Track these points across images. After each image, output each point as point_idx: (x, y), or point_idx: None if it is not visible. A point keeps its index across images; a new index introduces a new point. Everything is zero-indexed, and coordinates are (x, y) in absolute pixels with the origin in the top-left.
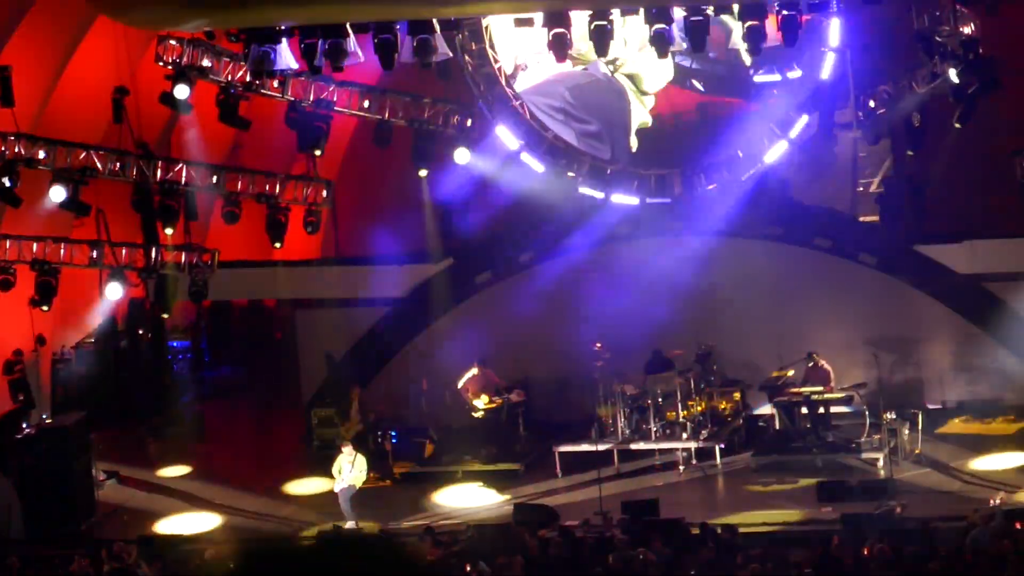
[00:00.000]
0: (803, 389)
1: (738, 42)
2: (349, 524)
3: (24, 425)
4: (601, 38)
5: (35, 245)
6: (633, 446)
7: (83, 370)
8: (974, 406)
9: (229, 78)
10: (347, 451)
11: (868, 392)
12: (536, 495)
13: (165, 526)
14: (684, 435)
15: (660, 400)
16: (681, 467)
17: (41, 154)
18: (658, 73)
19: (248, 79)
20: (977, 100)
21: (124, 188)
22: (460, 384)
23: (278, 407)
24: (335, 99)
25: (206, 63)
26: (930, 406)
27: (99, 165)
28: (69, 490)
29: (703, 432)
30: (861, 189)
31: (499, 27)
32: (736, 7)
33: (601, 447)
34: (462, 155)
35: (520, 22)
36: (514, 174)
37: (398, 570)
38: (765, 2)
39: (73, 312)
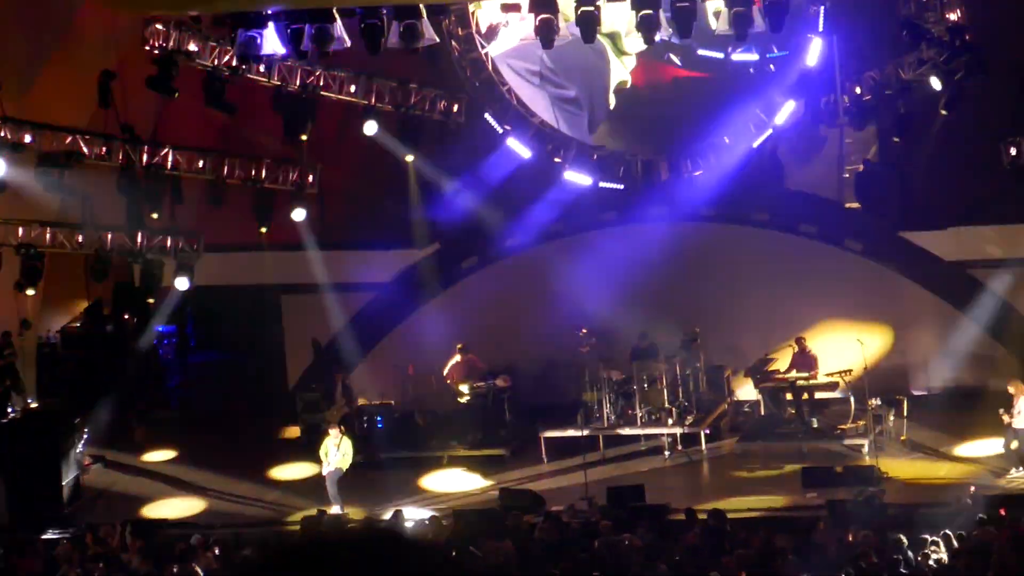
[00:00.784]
0: (788, 375)
1: (722, 27)
2: (334, 509)
3: (10, 410)
4: (587, 24)
5: (20, 229)
6: (619, 432)
7: (69, 354)
8: (958, 392)
9: (215, 63)
10: (333, 434)
11: (853, 378)
12: (522, 480)
13: (151, 510)
14: (670, 421)
15: (646, 386)
16: (666, 453)
17: (27, 138)
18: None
19: (234, 64)
20: (963, 86)
21: (110, 172)
22: (445, 370)
23: (264, 392)
24: (322, 84)
25: (192, 47)
26: (915, 392)
27: (85, 149)
28: (54, 475)
29: (688, 418)
30: (847, 175)
31: None
32: None
33: (586, 432)
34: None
35: (507, 7)
36: (500, 159)
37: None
38: None
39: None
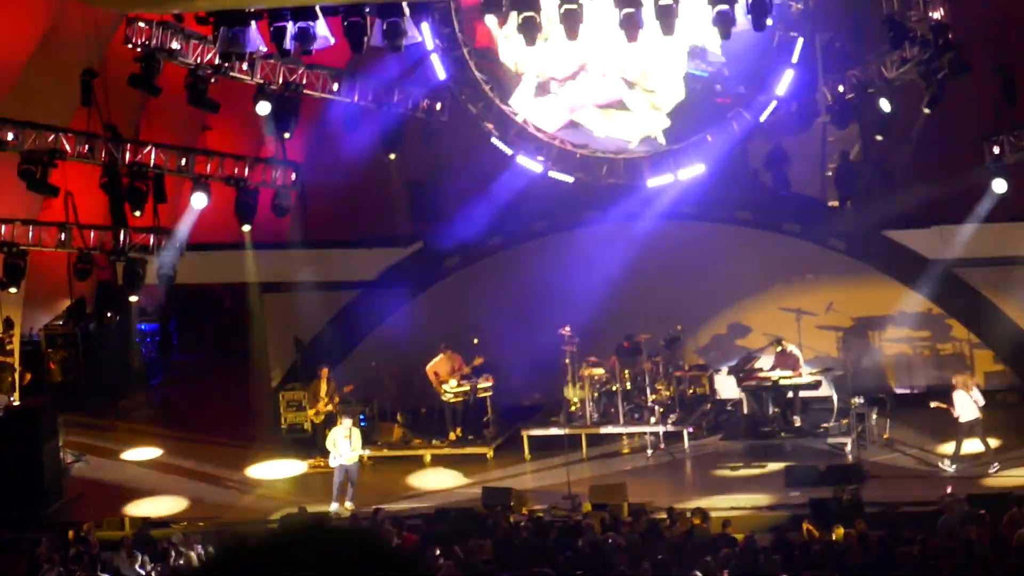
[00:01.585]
0: (771, 374)
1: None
2: (334, 506)
3: None
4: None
5: (3, 227)
6: (601, 430)
7: (51, 352)
8: (942, 391)
9: (198, 61)
10: (345, 425)
11: (836, 377)
12: (504, 479)
13: (133, 508)
14: (652, 419)
15: (628, 384)
16: (649, 451)
17: (10, 136)
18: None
19: (217, 62)
20: (946, 85)
21: (93, 170)
22: (428, 368)
23: (247, 390)
24: (304, 82)
25: (175, 45)
26: (898, 391)
27: (68, 147)
28: (36, 473)
29: (671, 416)
30: (830, 174)
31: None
32: None
33: (569, 431)
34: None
35: (488, 5)
36: (483, 158)
37: (377, 563)
38: None
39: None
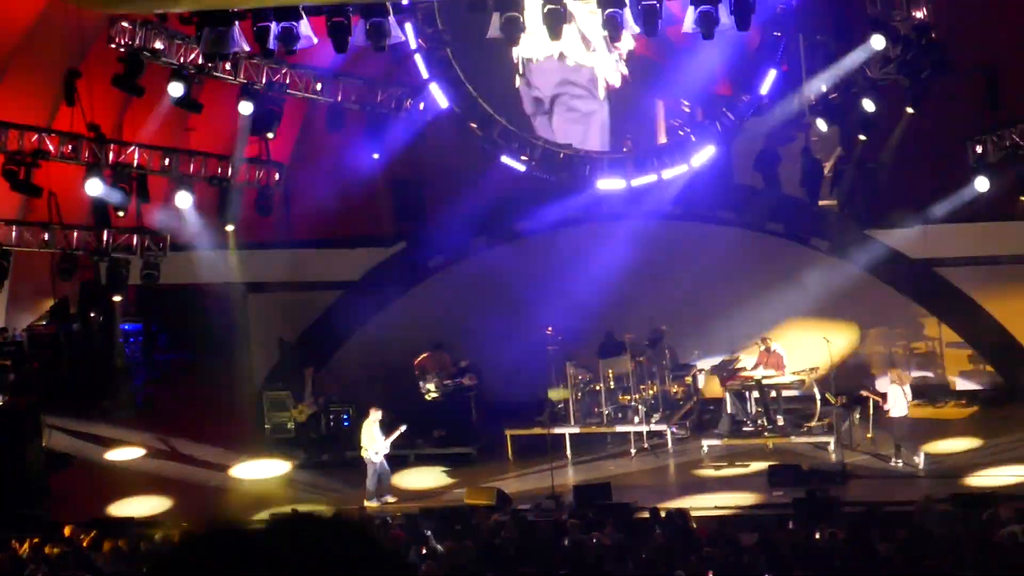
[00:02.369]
0: (754, 373)
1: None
2: (375, 503)
3: None
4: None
5: None
6: (585, 430)
7: (35, 353)
8: (925, 390)
9: (181, 61)
10: (375, 416)
11: (819, 376)
12: (488, 479)
13: (117, 509)
14: (636, 419)
15: (612, 384)
16: (633, 451)
17: None
18: None
19: (200, 62)
20: (929, 85)
21: (77, 170)
22: (415, 367)
23: (231, 390)
24: (288, 82)
25: (158, 45)
26: (881, 390)
27: (51, 147)
28: (20, 473)
29: (654, 416)
30: (829, 174)
31: None
32: None
33: (553, 431)
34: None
35: (472, 6)
36: (468, 158)
37: (362, 552)
38: None
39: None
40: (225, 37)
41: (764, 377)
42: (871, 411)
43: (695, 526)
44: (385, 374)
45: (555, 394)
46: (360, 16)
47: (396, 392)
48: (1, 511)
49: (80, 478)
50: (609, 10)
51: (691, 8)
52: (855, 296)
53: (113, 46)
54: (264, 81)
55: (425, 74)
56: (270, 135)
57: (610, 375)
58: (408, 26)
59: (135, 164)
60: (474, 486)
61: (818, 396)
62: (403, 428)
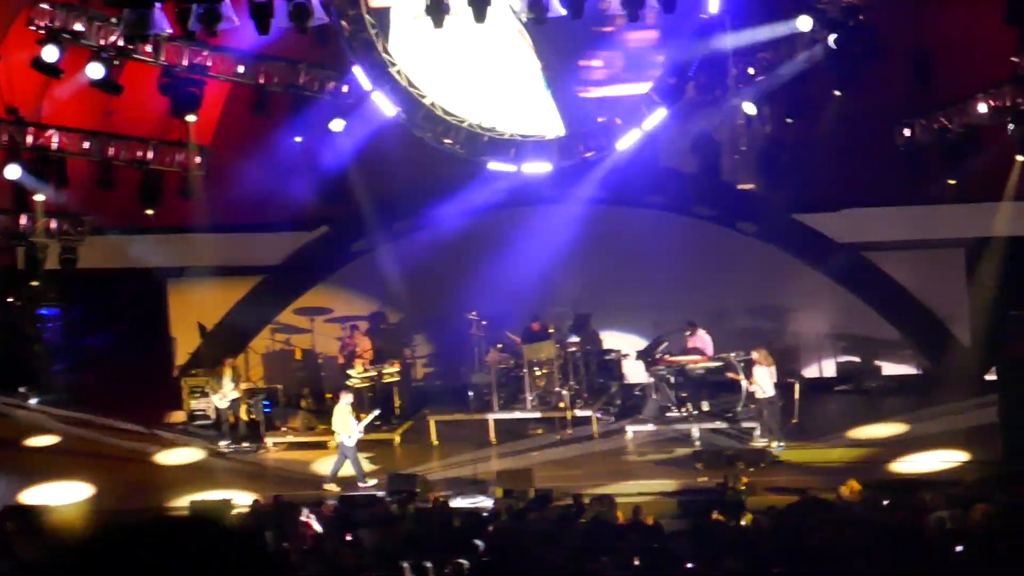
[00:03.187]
0: (680, 358)
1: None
2: (362, 484)
3: None
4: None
5: None
6: (509, 416)
7: None
8: (851, 375)
9: (102, 43)
10: (347, 400)
11: (745, 361)
12: (411, 465)
13: (33, 496)
14: (561, 404)
15: (537, 369)
16: (557, 437)
17: None
18: None
19: (121, 44)
20: (857, 67)
21: None
22: (337, 353)
23: (150, 376)
24: (209, 64)
25: (79, 27)
26: (807, 375)
27: None
28: None
29: (579, 402)
30: (738, 157)
31: None
32: None
33: (477, 417)
34: (337, 123)
35: None
36: (391, 141)
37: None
38: None
39: None
40: (146, 18)
41: (690, 362)
42: (796, 396)
43: (620, 513)
44: (305, 359)
45: (479, 379)
46: None
47: (317, 377)
48: None
49: None
50: None
51: None
52: (782, 280)
53: (32, 28)
54: (185, 63)
55: (349, 55)
56: (191, 118)
57: (535, 360)
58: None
59: (54, 147)
60: (397, 473)
61: (744, 381)
62: (376, 412)
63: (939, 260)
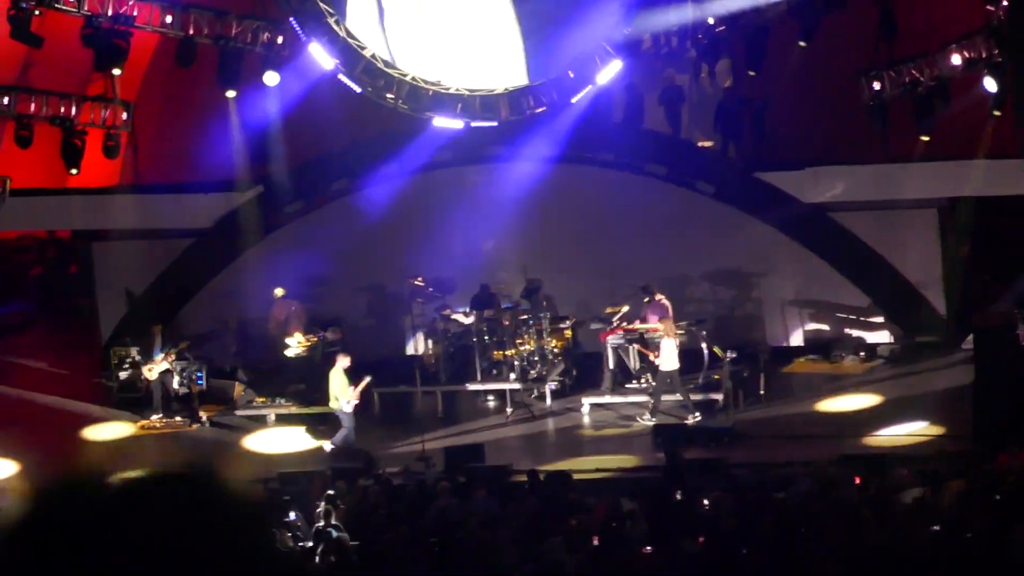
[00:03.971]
0: (638, 326)
1: None
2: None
3: None
4: None
5: None
6: (457, 387)
7: None
8: (820, 344)
9: None
10: (343, 364)
11: (707, 329)
12: (353, 440)
13: None
14: (512, 375)
15: (486, 338)
16: (508, 410)
17: None
18: None
19: None
20: (821, 17)
21: None
22: (270, 320)
23: (74, 346)
24: (135, 14)
25: None
26: (772, 344)
27: None
28: None
29: (531, 373)
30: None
31: None
32: None
33: (423, 389)
34: (271, 77)
35: None
36: (328, 95)
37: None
38: None
39: None
40: None
41: (648, 330)
42: (762, 366)
43: (574, 490)
44: (239, 327)
45: (425, 349)
46: None
47: (253, 347)
48: None
49: None
50: None
51: None
52: (743, 243)
53: None
54: (110, 13)
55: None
56: (116, 71)
57: (483, 329)
58: None
59: None
60: (341, 447)
61: (705, 350)
62: (368, 379)
63: (910, 222)
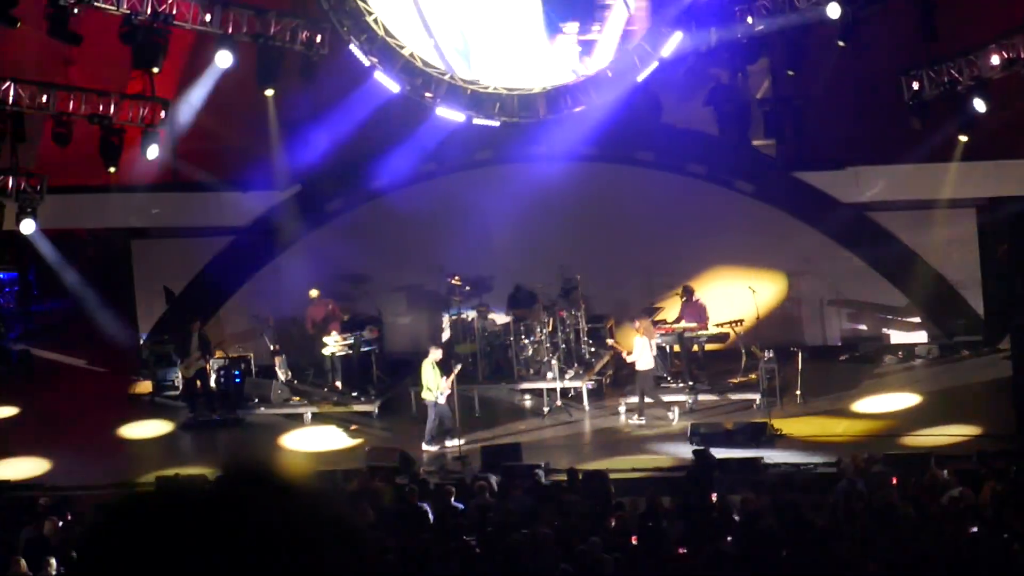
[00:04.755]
0: (676, 325)
1: None
2: (430, 447)
3: None
4: None
5: None
6: (495, 386)
7: None
8: (856, 344)
9: None
10: (435, 356)
11: (744, 329)
12: (391, 439)
13: None
14: (549, 375)
15: (523, 338)
16: (546, 409)
17: None
18: None
19: None
20: (861, 16)
21: None
22: (308, 318)
23: (112, 344)
24: (174, 12)
25: None
26: (810, 343)
27: None
28: None
29: (569, 372)
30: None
31: None
32: None
33: (460, 388)
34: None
35: None
36: (367, 94)
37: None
38: None
39: None
40: None
41: (686, 329)
42: (799, 366)
43: (612, 489)
44: (278, 326)
45: (462, 348)
46: None
47: (291, 345)
48: None
49: None
50: None
51: None
52: (782, 243)
53: None
54: (148, 11)
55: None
56: (155, 69)
57: (521, 328)
58: None
59: (10, 101)
60: (376, 447)
61: (743, 350)
62: (459, 368)
63: (949, 221)
